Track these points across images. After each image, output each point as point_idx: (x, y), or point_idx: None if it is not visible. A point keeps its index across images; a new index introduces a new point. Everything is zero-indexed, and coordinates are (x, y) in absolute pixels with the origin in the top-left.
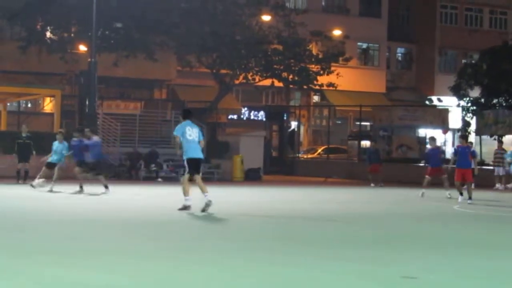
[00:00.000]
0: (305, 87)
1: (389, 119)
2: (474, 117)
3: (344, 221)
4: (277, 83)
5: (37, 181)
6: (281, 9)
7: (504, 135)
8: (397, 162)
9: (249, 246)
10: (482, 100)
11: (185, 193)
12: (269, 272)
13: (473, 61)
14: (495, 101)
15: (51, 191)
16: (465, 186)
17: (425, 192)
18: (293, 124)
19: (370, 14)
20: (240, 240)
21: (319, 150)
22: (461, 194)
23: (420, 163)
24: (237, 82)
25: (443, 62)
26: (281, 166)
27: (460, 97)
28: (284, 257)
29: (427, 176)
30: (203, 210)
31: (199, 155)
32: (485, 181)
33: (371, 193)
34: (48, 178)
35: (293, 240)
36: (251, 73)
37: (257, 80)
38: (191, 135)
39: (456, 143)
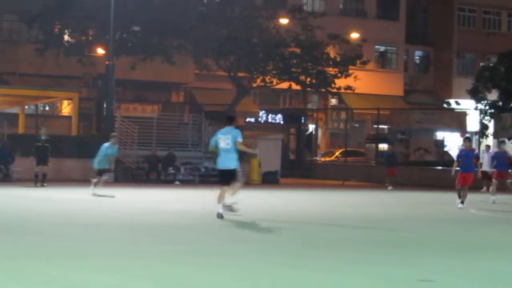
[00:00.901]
0: (322, 90)
1: (406, 122)
2: (492, 120)
3: (361, 224)
4: (295, 86)
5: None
6: (298, 12)
7: None
8: (415, 165)
9: (267, 249)
10: (500, 103)
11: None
12: (286, 275)
13: (491, 64)
14: None
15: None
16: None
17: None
18: (311, 127)
19: (388, 17)
20: (258, 242)
21: (337, 153)
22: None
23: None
24: (254, 85)
25: (461, 65)
26: (298, 169)
27: (478, 100)
28: (300, 261)
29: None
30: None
31: (224, 165)
32: (500, 183)
33: (389, 196)
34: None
35: (308, 243)
36: (268, 76)
37: (274, 83)
38: (221, 144)
39: (475, 147)
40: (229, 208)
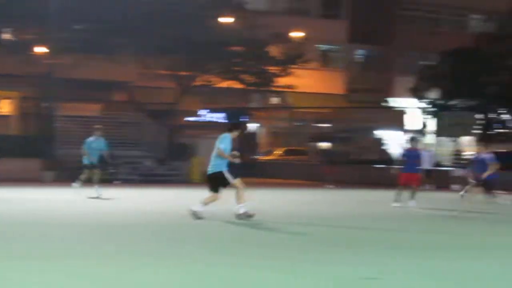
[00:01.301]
0: (264, 89)
1: (348, 121)
2: (433, 119)
3: (306, 223)
4: (237, 85)
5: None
6: (241, 11)
7: (461, 136)
8: (356, 164)
9: (211, 249)
10: (441, 101)
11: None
12: (229, 275)
13: (432, 63)
14: (453, 102)
15: (100, 196)
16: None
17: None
18: (252, 126)
19: (331, 16)
20: (203, 242)
21: (279, 152)
22: (397, 200)
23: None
24: (196, 84)
25: (402, 64)
26: (240, 168)
27: (418, 99)
28: (245, 260)
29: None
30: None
31: (210, 169)
32: (443, 182)
33: (332, 194)
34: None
35: (254, 242)
36: (211, 75)
37: (216, 81)
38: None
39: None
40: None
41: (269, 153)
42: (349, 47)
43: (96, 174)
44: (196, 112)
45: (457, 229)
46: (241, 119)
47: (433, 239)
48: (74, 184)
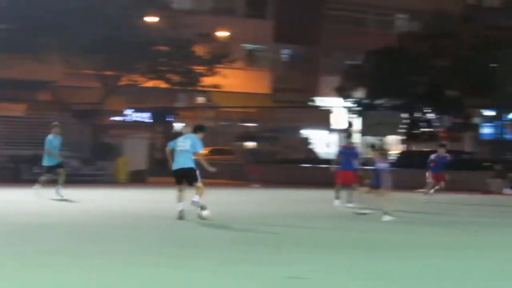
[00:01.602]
0: (190, 88)
1: (274, 120)
2: (358, 118)
3: (234, 222)
4: (162, 85)
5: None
6: (167, 11)
7: (387, 135)
8: (282, 163)
9: (136, 249)
10: (366, 100)
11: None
12: (155, 275)
13: (357, 62)
14: (378, 102)
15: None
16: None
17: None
18: (178, 126)
19: (257, 16)
20: (128, 242)
21: (205, 152)
22: (338, 198)
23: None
24: (122, 83)
25: (328, 63)
26: (166, 167)
27: (344, 98)
28: (172, 260)
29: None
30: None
31: (180, 165)
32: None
33: (259, 194)
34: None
35: (180, 242)
36: (136, 75)
37: (142, 81)
38: (178, 146)
39: (342, 143)
40: (201, 207)
41: None
42: (275, 46)
43: (62, 174)
44: (122, 111)
45: (387, 229)
46: (167, 119)
47: (363, 238)
48: (35, 186)
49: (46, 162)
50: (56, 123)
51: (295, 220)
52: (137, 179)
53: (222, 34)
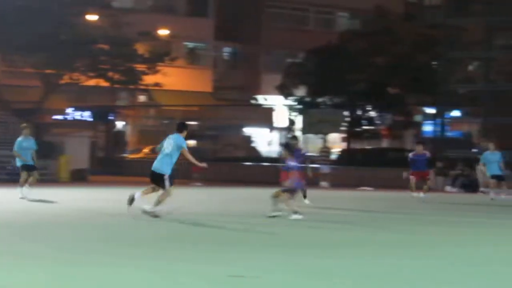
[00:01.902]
0: (131, 87)
1: (215, 119)
2: (300, 116)
3: (173, 220)
4: (104, 83)
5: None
6: (107, 9)
7: (328, 133)
8: (224, 161)
9: (72, 248)
10: (307, 99)
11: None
12: (100, 274)
13: (299, 61)
14: (320, 100)
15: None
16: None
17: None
18: (120, 124)
19: (197, 14)
20: (60, 241)
21: (146, 150)
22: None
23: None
24: (63, 82)
25: (269, 62)
26: (108, 166)
27: (285, 96)
28: (112, 259)
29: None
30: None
31: (155, 166)
32: (311, 179)
33: (200, 192)
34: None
35: (116, 240)
36: (77, 73)
37: (83, 80)
38: (164, 148)
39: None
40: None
41: (137, 151)
42: (216, 44)
43: (34, 175)
44: (64, 110)
45: (323, 226)
46: (109, 117)
47: (303, 237)
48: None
49: (18, 162)
50: (25, 124)
51: (235, 218)
52: (78, 177)
53: (163, 32)
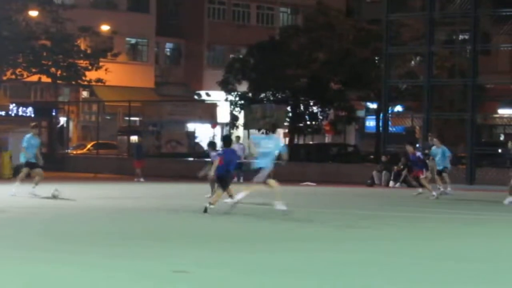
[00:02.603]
0: (73, 82)
1: (158, 114)
2: (242, 111)
3: (114, 216)
4: (45, 79)
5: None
6: (48, 5)
7: (271, 129)
8: (167, 157)
9: (18, 245)
10: (250, 94)
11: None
12: (35, 270)
13: (241, 56)
14: (262, 95)
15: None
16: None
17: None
18: (62, 120)
19: (138, 10)
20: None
21: (89, 146)
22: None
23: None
24: (4, 78)
25: (211, 57)
26: (50, 162)
27: (228, 92)
28: (53, 255)
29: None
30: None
31: (260, 164)
32: (254, 174)
33: (141, 188)
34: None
35: (61, 237)
36: (19, 69)
37: (25, 75)
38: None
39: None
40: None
41: (79, 147)
42: (158, 40)
43: (38, 172)
44: (6, 106)
45: (266, 221)
46: (52, 113)
47: (242, 231)
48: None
49: (23, 158)
50: (35, 123)
51: (177, 214)
52: None
53: (104, 28)
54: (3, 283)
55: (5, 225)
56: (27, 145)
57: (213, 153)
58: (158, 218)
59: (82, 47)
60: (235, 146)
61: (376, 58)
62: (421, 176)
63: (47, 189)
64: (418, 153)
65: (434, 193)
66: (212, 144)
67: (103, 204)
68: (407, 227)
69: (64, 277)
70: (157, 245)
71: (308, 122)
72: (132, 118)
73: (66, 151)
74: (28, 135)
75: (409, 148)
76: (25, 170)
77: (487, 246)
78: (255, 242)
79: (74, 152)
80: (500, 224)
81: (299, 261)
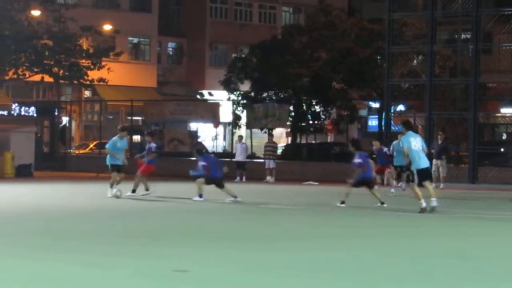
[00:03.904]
0: (75, 82)
1: (160, 114)
2: (245, 111)
3: (116, 216)
4: (48, 78)
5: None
6: (50, 4)
7: (274, 128)
8: (169, 156)
9: (20, 243)
10: (252, 93)
11: (418, 197)
12: (41, 268)
13: (243, 55)
14: (264, 94)
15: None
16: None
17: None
18: (65, 120)
19: (141, 9)
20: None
21: (91, 145)
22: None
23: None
24: (7, 77)
25: (213, 57)
26: (53, 162)
27: (230, 91)
28: (55, 254)
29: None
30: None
31: (426, 164)
32: (257, 174)
33: (140, 187)
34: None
35: (60, 236)
36: (21, 69)
37: (27, 75)
38: (415, 145)
39: (228, 137)
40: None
41: (81, 146)
42: (160, 39)
43: (121, 176)
44: (8, 106)
45: (269, 220)
46: (54, 112)
47: (248, 231)
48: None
49: (110, 160)
50: (124, 126)
51: (177, 213)
52: (23, 173)
53: (107, 27)
54: (4, 281)
55: (4, 223)
56: (112, 148)
57: (201, 162)
58: (158, 217)
59: (85, 46)
60: (237, 145)
61: (378, 57)
62: (388, 171)
63: (54, 188)
64: (385, 149)
65: (392, 189)
66: (199, 151)
67: (103, 204)
68: (407, 226)
69: (63, 276)
70: (157, 244)
71: (311, 122)
72: (134, 118)
73: (69, 150)
74: (114, 138)
75: (376, 143)
76: (115, 174)
77: (489, 245)
78: (255, 241)
79: (77, 152)
80: (502, 223)
81: (299, 260)
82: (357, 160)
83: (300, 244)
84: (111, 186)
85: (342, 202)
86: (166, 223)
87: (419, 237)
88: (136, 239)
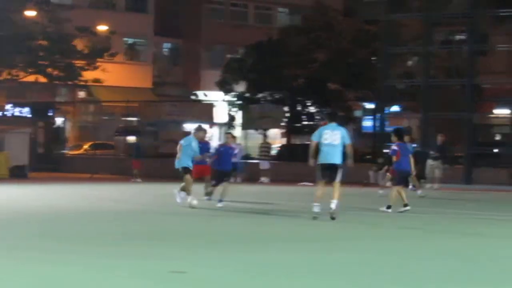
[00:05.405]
0: (70, 83)
1: (156, 115)
2: (240, 112)
3: (113, 217)
4: (42, 79)
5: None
6: (46, 5)
7: (269, 129)
8: (165, 157)
9: (16, 245)
10: (248, 94)
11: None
12: (38, 271)
13: (239, 56)
14: (260, 95)
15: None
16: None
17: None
18: (59, 121)
19: (137, 9)
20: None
21: (86, 146)
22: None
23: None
24: (1, 78)
25: (209, 57)
26: (48, 163)
27: (226, 92)
28: (52, 256)
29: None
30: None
31: (330, 160)
32: (251, 175)
33: (139, 188)
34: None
35: (59, 237)
36: (15, 69)
37: (22, 76)
38: (327, 139)
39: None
40: None
41: (76, 147)
42: (155, 40)
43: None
44: (2, 106)
45: (264, 221)
46: (48, 113)
47: (247, 232)
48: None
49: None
50: (199, 126)
51: (174, 214)
52: (18, 174)
53: (102, 28)
54: (2, 285)
55: (3, 226)
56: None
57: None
58: (155, 218)
59: (80, 47)
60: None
61: (374, 58)
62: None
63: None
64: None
65: (380, 191)
66: None
67: (101, 205)
68: (407, 226)
69: (62, 277)
70: (154, 245)
71: (306, 122)
72: (129, 118)
73: (63, 151)
74: (190, 138)
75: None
76: (187, 177)
77: (486, 245)
78: (253, 242)
79: (71, 153)
80: (498, 224)
81: (299, 261)
82: (393, 147)
83: (299, 245)
84: (188, 193)
85: (389, 207)
86: (162, 224)
87: (416, 238)
88: (132, 240)
